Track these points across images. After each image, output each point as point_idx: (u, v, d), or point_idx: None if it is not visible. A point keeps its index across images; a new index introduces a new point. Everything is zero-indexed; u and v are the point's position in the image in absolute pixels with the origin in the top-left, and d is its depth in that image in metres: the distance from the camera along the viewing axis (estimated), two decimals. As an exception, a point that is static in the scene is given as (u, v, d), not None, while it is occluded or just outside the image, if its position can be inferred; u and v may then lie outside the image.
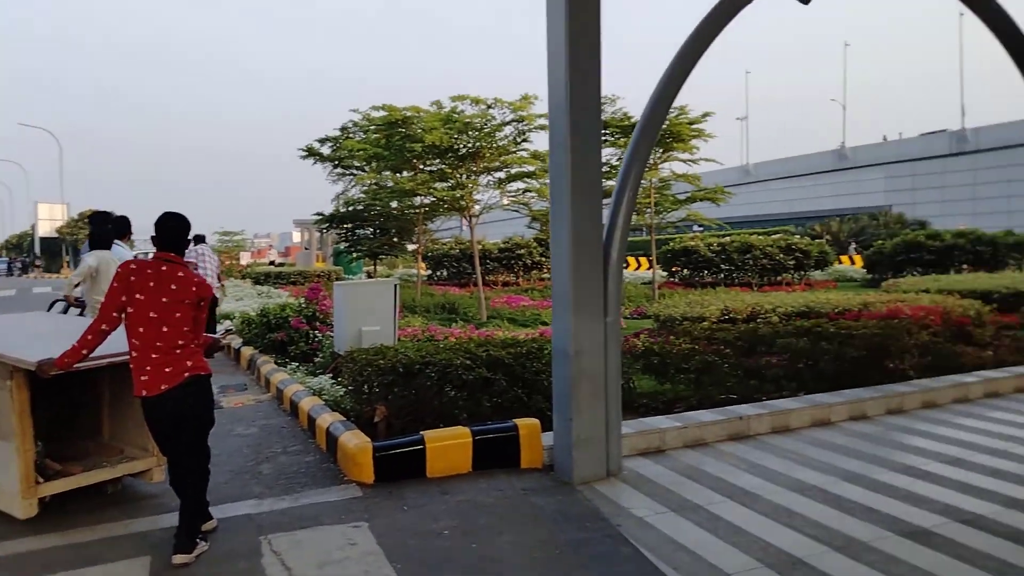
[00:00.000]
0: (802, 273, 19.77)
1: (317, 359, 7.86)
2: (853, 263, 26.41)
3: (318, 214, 17.44)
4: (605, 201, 4.93)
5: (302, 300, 9.46)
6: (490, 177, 12.93)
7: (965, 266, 18.50)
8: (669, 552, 3.59)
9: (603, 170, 14.71)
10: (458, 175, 12.17)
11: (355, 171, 16.36)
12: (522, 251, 21.63)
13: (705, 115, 13.67)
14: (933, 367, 7.17)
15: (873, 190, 59.56)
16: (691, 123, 13.59)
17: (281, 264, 34.27)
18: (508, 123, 11.74)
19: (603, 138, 14.10)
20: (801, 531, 3.76)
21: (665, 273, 20.90)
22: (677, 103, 14.70)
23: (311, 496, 4.42)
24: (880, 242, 21.09)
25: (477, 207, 12.81)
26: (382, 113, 12.49)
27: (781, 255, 19.26)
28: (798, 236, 23.66)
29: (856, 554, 3.47)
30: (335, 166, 16.98)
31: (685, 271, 20.43)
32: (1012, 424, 5.71)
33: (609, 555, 3.59)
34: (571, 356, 4.55)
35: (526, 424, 4.96)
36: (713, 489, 4.42)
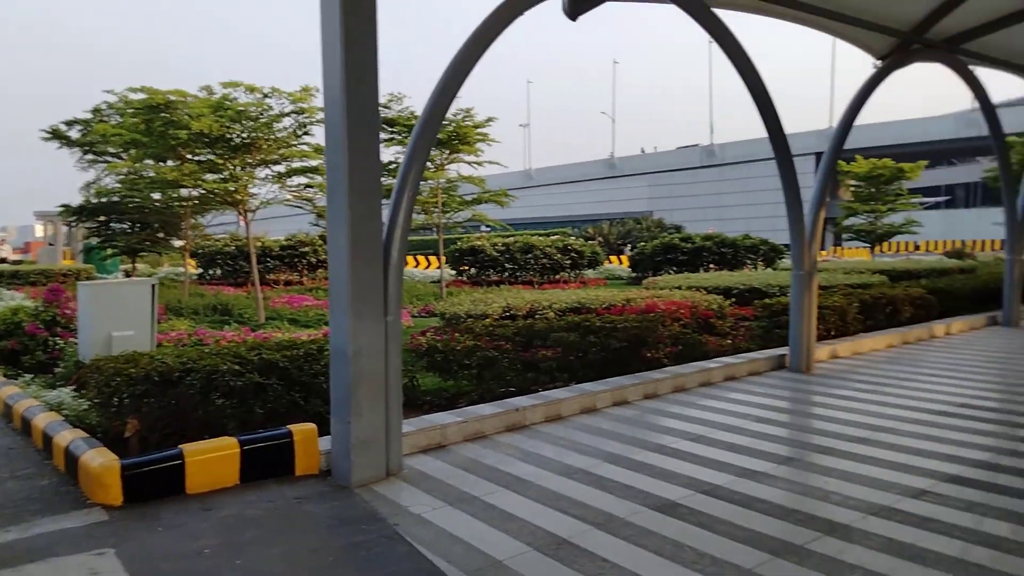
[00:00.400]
0: (577, 272, 21.18)
1: (58, 370, 6.90)
2: (621, 262, 28.79)
3: (64, 206, 15.32)
4: (387, 201, 4.87)
5: (40, 302, 8.27)
6: (268, 170, 12.21)
7: (712, 265, 21.00)
8: (445, 546, 3.62)
9: (390, 168, 14.40)
10: (231, 167, 11.34)
11: (110, 158, 14.62)
12: (306, 249, 20.76)
13: (489, 120, 14.09)
14: (683, 355, 8.01)
15: (638, 196, 65.49)
16: (476, 126, 13.93)
17: (18, 262, 29.66)
18: (287, 114, 11.17)
19: (390, 136, 14.08)
20: (567, 512, 3.99)
21: (454, 272, 21.26)
22: (464, 104, 15.11)
23: (45, 524, 3.85)
24: (642, 244, 23.21)
25: (254, 202, 12.02)
26: (141, 96, 11.28)
27: (559, 255, 20.48)
28: (573, 238, 25.32)
29: (615, 530, 3.76)
30: (85, 152, 15.04)
31: (473, 270, 20.94)
32: (745, 404, 6.55)
33: (384, 556, 3.54)
34: (350, 357, 4.43)
35: (301, 429, 4.74)
36: (489, 480, 4.55)
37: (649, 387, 6.90)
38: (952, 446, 5.05)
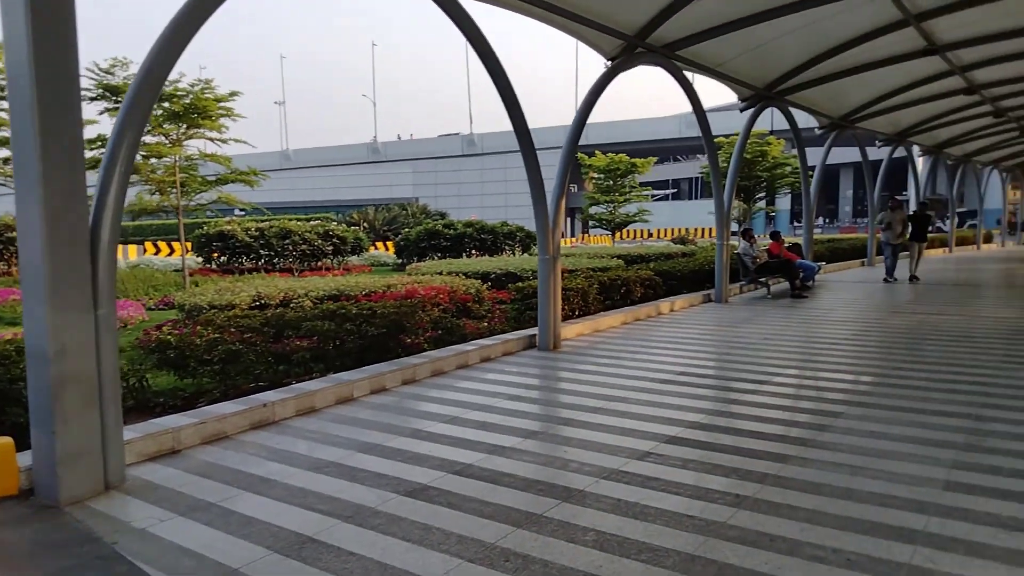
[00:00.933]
0: (341, 259, 20.60)
1: None
2: (387, 249, 28.62)
3: None
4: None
5: None
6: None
7: (474, 251, 21.67)
8: (172, 560, 3.26)
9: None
10: None
11: None
12: (14, 234, 17.71)
13: (233, 93, 13.08)
14: (443, 339, 8.12)
15: (403, 183, 65.47)
16: (219, 100, 12.85)
17: None
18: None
19: (115, 105, 12.43)
20: (314, 509, 3.81)
21: (201, 259, 19.53)
22: (205, 75, 13.82)
23: None
24: (407, 230, 23.26)
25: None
26: None
27: (320, 241, 19.74)
28: (336, 223, 24.57)
29: (363, 520, 3.66)
30: None
31: (223, 257, 19.41)
32: (498, 383, 6.80)
33: (96, 583, 3.09)
34: (51, 357, 3.80)
35: (-11, 445, 3.98)
36: (229, 484, 4.19)
37: (408, 372, 6.88)
38: (672, 410, 5.68)
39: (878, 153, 22.67)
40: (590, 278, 10.81)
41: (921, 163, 33.37)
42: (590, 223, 33.13)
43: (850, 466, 4.33)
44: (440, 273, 12.89)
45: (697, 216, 57.42)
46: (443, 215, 36.52)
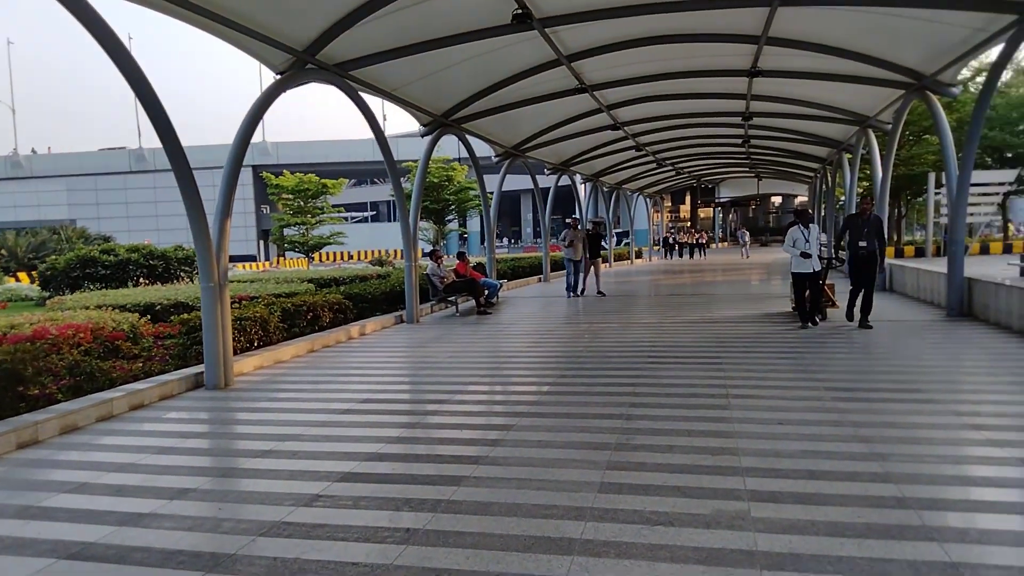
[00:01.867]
0: (-43, 294, 16.66)
1: None
2: (33, 280, 24.07)
3: None
4: None
5: None
6: None
7: (143, 280, 19.10)
8: None
9: None
10: None
11: None
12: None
13: None
14: (83, 388, 6.82)
15: (56, 202, 56.22)
16: None
17: None
18: None
19: None
20: None
21: None
22: None
23: None
24: (54, 258, 19.74)
25: None
26: None
27: (-76, 273, 15.73)
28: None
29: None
30: None
31: None
32: (149, 434, 5.83)
33: None
34: None
35: None
36: None
37: (26, 433, 5.57)
38: (350, 443, 5.35)
39: (547, 181, 25.08)
40: (271, 305, 10.05)
41: (584, 189, 37.98)
42: (284, 246, 31.61)
43: (518, 479, 4.41)
44: (88, 307, 11.00)
45: (396, 238, 58.08)
46: (107, 239, 31.91)
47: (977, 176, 21.53)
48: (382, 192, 79.51)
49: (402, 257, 49.44)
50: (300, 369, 8.50)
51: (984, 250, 30.21)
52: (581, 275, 17.07)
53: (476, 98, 13.70)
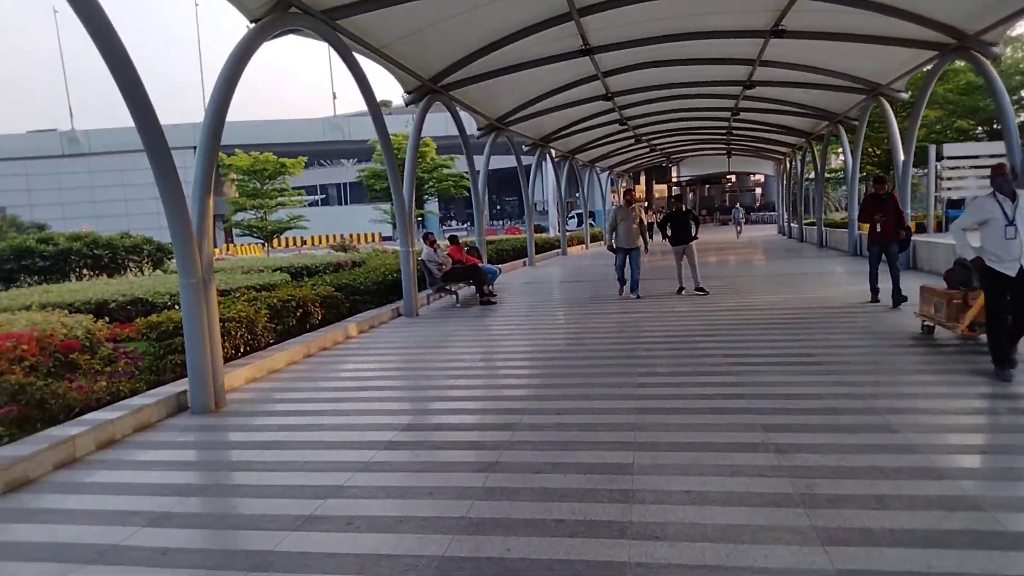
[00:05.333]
0: None
1: None
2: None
3: None
4: None
5: None
6: None
7: (86, 272, 17.03)
8: None
9: None
10: None
11: None
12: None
13: None
14: (30, 419, 5.23)
15: (-19, 188, 52.28)
16: None
17: None
18: None
19: None
20: None
21: None
22: None
23: None
24: (-18, 248, 17.45)
25: None
26: None
27: None
28: None
29: None
30: None
31: None
32: (125, 490, 4.29)
33: None
34: None
35: None
36: None
37: (-48, 495, 3.99)
38: (412, 499, 3.95)
39: (504, 161, 23.47)
40: (255, 301, 8.45)
41: (545, 167, 36.62)
42: (235, 231, 29.44)
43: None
44: (30, 307, 9.20)
45: (352, 222, 56.08)
46: (42, 227, 29.24)
47: (951, 149, 20.92)
48: (332, 175, 76.65)
49: (363, 241, 47.37)
50: (301, 381, 6.98)
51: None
52: (637, 267, 12.05)
53: (470, 59, 12.19)
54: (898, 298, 9.42)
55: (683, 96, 19.62)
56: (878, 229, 9.70)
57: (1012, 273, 5.62)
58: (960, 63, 13.48)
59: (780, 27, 11.97)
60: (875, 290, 9.97)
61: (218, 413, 5.91)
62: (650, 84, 17.69)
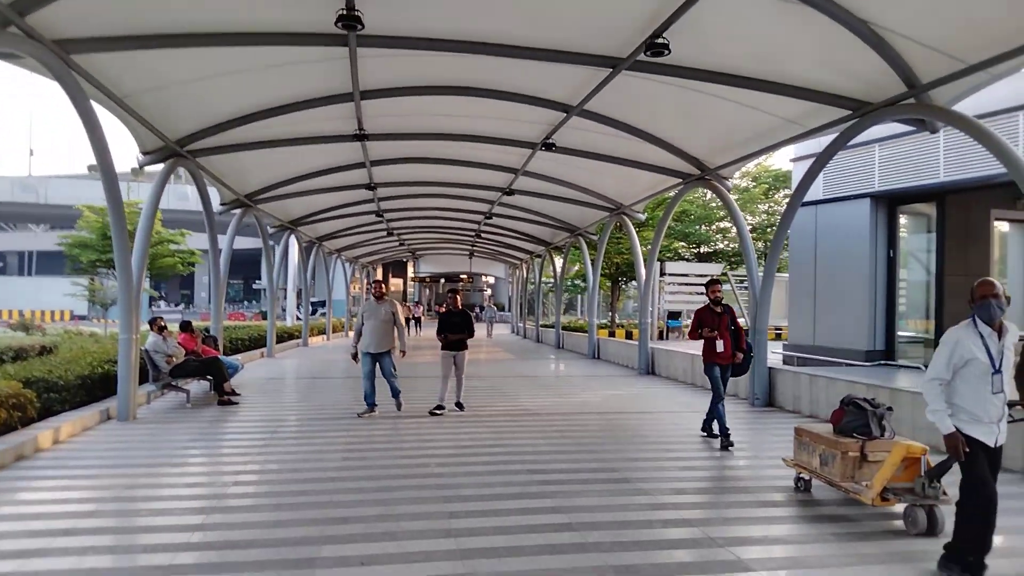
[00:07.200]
0: None
1: None
2: None
3: None
4: None
5: None
6: None
7: None
8: None
9: None
10: None
11: None
12: None
13: None
14: None
15: None
16: None
17: None
18: None
19: None
20: None
21: None
22: None
23: None
24: None
25: None
26: None
27: None
28: None
29: None
30: None
31: None
32: None
33: None
34: None
35: None
36: None
37: None
38: None
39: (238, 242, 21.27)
40: None
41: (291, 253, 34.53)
42: None
43: None
44: None
45: (36, 297, 47.33)
46: None
47: (672, 267, 23.95)
48: (13, 241, 65.00)
49: (51, 320, 39.83)
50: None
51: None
52: (390, 375, 9.59)
53: (230, 126, 10.75)
54: (726, 440, 7.54)
55: (445, 196, 19.71)
56: (719, 349, 7.78)
57: (991, 442, 3.90)
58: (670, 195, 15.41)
59: (550, 141, 12.43)
60: (720, 428, 7.65)
61: None
62: (416, 180, 17.45)
